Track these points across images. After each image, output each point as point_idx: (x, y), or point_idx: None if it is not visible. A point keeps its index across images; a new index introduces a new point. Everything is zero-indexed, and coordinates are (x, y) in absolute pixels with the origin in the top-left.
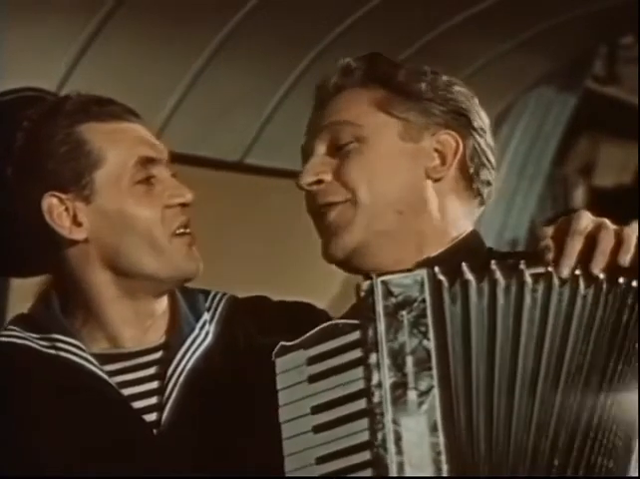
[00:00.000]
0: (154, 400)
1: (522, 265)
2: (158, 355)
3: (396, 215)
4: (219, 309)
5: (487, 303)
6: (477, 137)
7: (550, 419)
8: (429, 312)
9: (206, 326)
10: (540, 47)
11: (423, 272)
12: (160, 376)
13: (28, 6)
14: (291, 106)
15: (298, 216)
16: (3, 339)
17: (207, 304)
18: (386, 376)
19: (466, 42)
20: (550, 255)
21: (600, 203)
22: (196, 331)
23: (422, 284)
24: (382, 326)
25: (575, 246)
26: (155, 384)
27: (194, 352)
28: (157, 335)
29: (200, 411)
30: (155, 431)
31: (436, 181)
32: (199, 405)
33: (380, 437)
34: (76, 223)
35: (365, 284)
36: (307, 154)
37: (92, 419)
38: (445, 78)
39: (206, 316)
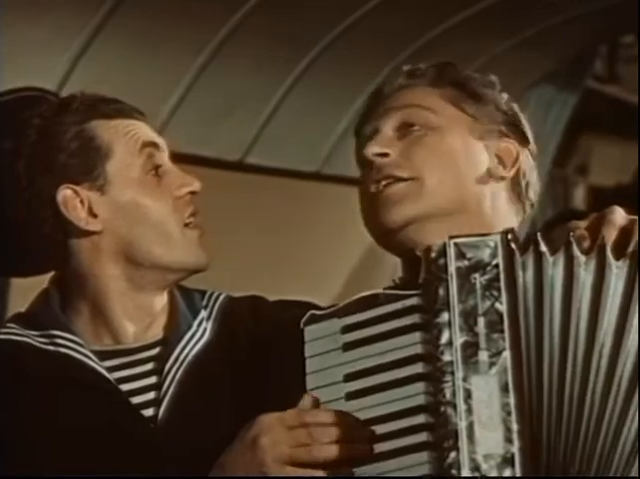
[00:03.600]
0: (151, 395)
1: (602, 241)
2: (155, 351)
3: (456, 204)
4: (216, 307)
5: (564, 275)
6: (528, 154)
7: (634, 391)
8: (502, 277)
9: (204, 323)
10: (540, 47)
11: (496, 238)
12: (158, 372)
13: (28, 5)
14: (292, 105)
15: (299, 215)
16: (1, 337)
17: (204, 303)
18: (457, 335)
19: (466, 42)
20: (585, 244)
21: (600, 202)
22: (194, 328)
23: (495, 249)
24: (454, 286)
25: (611, 236)
26: (152, 380)
27: (192, 349)
28: (155, 332)
29: (198, 406)
30: (152, 426)
31: (497, 180)
32: (197, 400)
33: (448, 395)
34: (92, 214)
35: (436, 246)
36: (364, 136)
37: (91, 415)
38: (505, 94)
39: (204, 314)
